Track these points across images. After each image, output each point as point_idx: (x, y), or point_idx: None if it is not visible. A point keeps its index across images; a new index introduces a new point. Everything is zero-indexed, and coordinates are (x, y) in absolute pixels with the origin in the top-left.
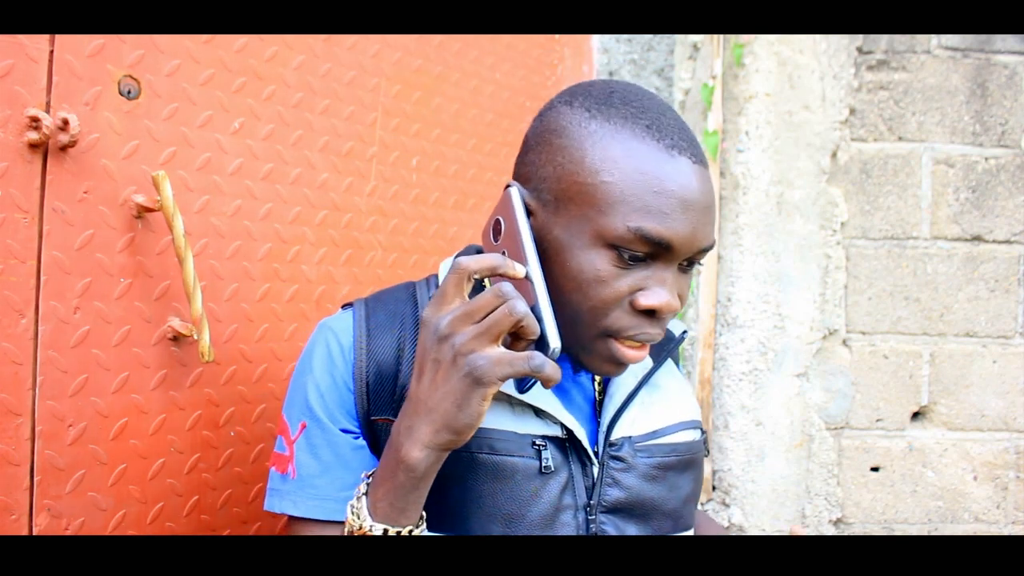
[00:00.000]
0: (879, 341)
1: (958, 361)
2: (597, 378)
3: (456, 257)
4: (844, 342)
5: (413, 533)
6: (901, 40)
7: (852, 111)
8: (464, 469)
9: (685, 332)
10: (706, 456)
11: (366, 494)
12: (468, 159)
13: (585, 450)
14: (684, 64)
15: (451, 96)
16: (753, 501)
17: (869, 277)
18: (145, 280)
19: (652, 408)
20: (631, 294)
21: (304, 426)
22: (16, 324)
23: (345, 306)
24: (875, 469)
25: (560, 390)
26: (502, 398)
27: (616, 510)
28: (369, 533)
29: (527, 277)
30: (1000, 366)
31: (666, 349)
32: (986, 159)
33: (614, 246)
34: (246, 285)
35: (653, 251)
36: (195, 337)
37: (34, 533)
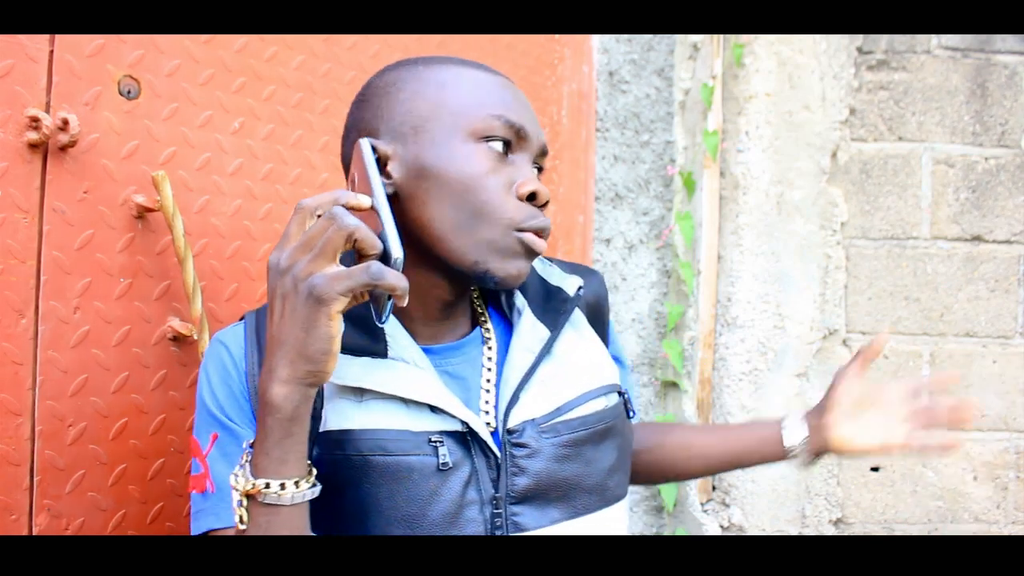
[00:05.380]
0: None
1: (958, 361)
2: (489, 360)
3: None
4: (844, 342)
5: (301, 486)
6: (901, 40)
7: (852, 111)
8: (359, 474)
9: (581, 288)
10: (631, 419)
11: (248, 461)
12: None
13: (486, 441)
14: (684, 64)
15: None
16: (753, 501)
17: (869, 277)
18: (145, 280)
19: (553, 382)
20: (509, 187)
21: (216, 437)
22: (16, 324)
23: (240, 320)
24: (875, 469)
25: (456, 381)
26: (395, 399)
27: (528, 498)
28: (253, 491)
29: (373, 207)
30: (1000, 366)
31: (562, 311)
32: (986, 159)
33: (484, 138)
34: (246, 285)
35: (514, 139)
36: (195, 337)
37: (34, 533)
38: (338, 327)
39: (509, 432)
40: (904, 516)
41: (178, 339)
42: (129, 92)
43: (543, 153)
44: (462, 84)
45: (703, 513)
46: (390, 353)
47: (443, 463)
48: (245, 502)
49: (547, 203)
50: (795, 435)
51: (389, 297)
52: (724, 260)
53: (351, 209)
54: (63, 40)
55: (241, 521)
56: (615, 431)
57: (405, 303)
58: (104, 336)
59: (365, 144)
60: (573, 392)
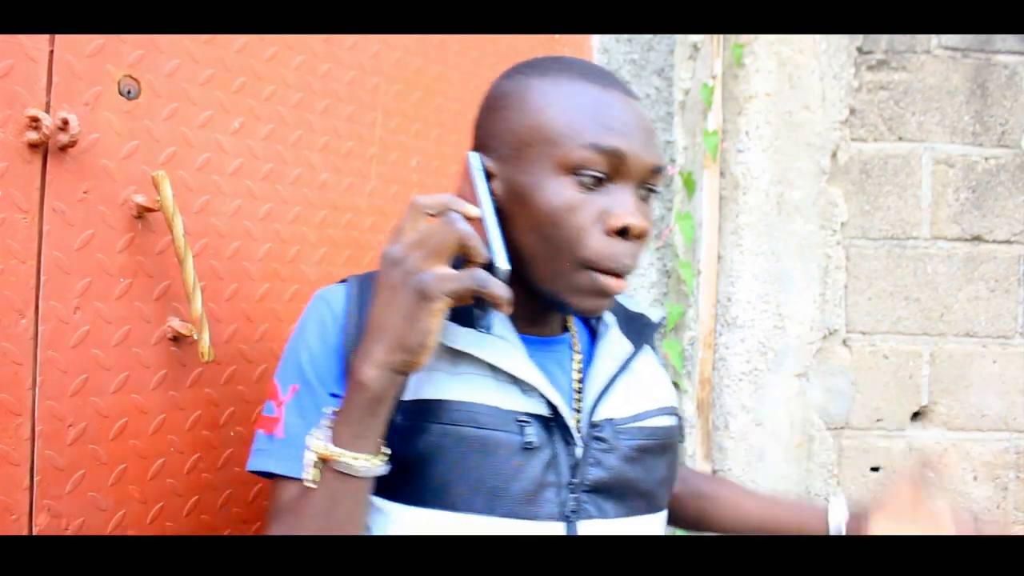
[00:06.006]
0: (879, 341)
1: (958, 361)
2: (577, 361)
3: None
4: (844, 342)
5: (372, 463)
6: (901, 40)
7: (852, 111)
8: (450, 442)
9: (664, 318)
10: (681, 443)
11: (329, 426)
12: None
13: (568, 429)
14: (684, 64)
15: (451, 96)
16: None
17: (869, 277)
18: (145, 280)
19: (632, 392)
20: (600, 220)
21: (296, 389)
22: (16, 324)
23: (340, 282)
24: (875, 469)
25: (547, 373)
26: (487, 374)
27: (597, 489)
28: (327, 456)
29: (480, 218)
30: (1000, 366)
31: (644, 334)
32: (986, 159)
33: (574, 171)
34: (246, 285)
35: (610, 166)
36: (195, 337)
37: (34, 533)
38: (438, 324)
39: (593, 425)
40: None
41: (178, 339)
42: (129, 92)
43: (654, 173)
44: (562, 105)
45: None
46: (493, 330)
47: (527, 442)
48: (319, 463)
49: (643, 234)
50: (838, 525)
51: (492, 306)
52: (724, 260)
53: (458, 214)
54: (63, 40)
55: (313, 481)
56: (671, 448)
57: (507, 312)
58: (104, 336)
59: (475, 158)
60: (647, 405)
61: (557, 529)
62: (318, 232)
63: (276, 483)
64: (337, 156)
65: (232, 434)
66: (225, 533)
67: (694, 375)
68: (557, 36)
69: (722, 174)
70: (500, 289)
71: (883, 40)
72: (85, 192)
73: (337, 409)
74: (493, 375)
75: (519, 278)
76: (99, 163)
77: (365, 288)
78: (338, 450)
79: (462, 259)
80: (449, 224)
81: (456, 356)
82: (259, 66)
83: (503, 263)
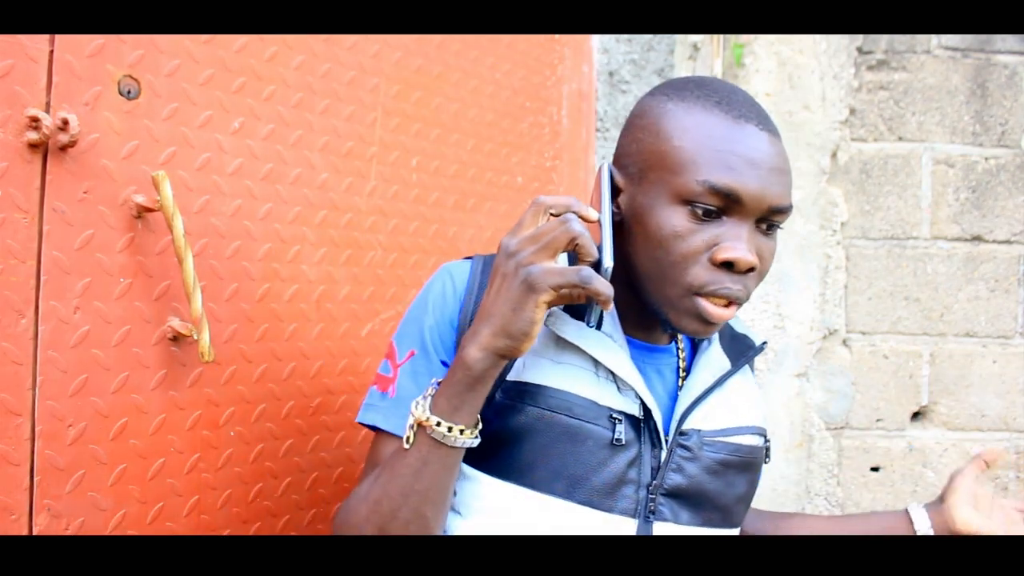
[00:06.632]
0: (879, 341)
1: (958, 361)
2: (681, 369)
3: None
4: (844, 342)
5: (464, 435)
6: (901, 40)
7: (852, 111)
8: (543, 426)
9: (765, 343)
10: (766, 463)
11: (431, 396)
12: (468, 159)
13: (657, 432)
14: (684, 64)
15: (451, 96)
16: (753, 501)
17: (869, 277)
18: (145, 280)
19: (723, 407)
20: (708, 249)
21: (412, 354)
22: (16, 324)
23: (466, 259)
24: (875, 469)
25: (645, 377)
26: (589, 368)
27: (674, 495)
28: (424, 423)
29: (598, 221)
30: (1000, 366)
31: (744, 356)
32: (986, 159)
33: (688, 202)
34: (246, 285)
35: (724, 205)
36: (195, 337)
37: (34, 533)
38: (541, 315)
39: (680, 433)
40: None
41: (178, 339)
42: (129, 92)
43: (777, 212)
44: (690, 136)
45: None
46: (603, 328)
47: (617, 438)
48: (416, 428)
49: (753, 270)
50: (923, 525)
51: (597, 305)
52: None
53: (580, 218)
54: (63, 40)
55: (407, 441)
56: (755, 467)
57: (609, 309)
58: (104, 336)
59: (605, 170)
60: (737, 421)
61: (629, 525)
62: (318, 232)
63: (380, 437)
64: (337, 156)
65: (232, 434)
66: (225, 533)
67: None
68: (557, 36)
69: None
70: (602, 286)
71: (883, 40)
72: (85, 192)
73: (441, 380)
74: (594, 369)
75: (632, 287)
76: (99, 163)
77: (487, 269)
78: (435, 418)
79: (573, 256)
80: (564, 222)
81: (563, 345)
82: (259, 66)
83: (608, 260)
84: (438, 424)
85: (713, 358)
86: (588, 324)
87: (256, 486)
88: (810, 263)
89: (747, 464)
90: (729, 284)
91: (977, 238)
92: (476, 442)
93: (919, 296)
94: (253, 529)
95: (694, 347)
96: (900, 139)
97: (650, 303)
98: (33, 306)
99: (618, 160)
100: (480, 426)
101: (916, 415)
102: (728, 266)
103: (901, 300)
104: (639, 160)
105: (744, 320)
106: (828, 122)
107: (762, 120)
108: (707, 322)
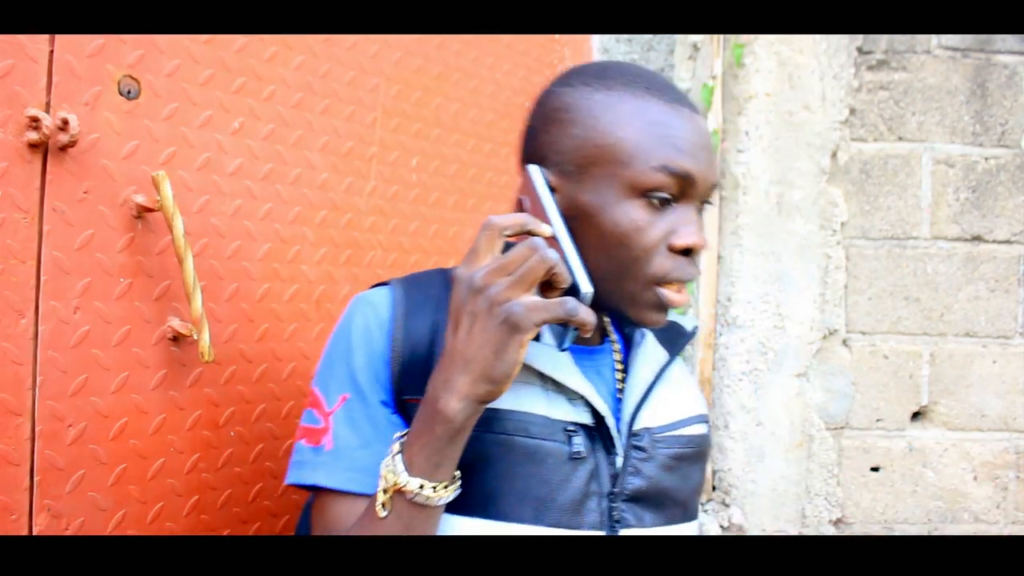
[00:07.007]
0: (879, 341)
1: (958, 361)
2: (619, 369)
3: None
4: (844, 342)
5: (448, 490)
6: (901, 40)
7: (852, 111)
8: (501, 451)
9: (696, 328)
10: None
11: (400, 452)
12: (468, 159)
13: (610, 439)
14: (684, 64)
15: (451, 96)
16: (753, 501)
17: (869, 277)
18: (145, 280)
19: (667, 401)
20: (666, 238)
21: (345, 398)
22: (16, 324)
23: (376, 285)
24: (875, 469)
25: (589, 381)
26: (535, 383)
27: (636, 499)
28: (404, 489)
29: (553, 236)
30: (1000, 366)
31: (679, 343)
32: (986, 159)
33: (644, 193)
34: (246, 285)
35: (679, 188)
36: (195, 337)
37: (34, 533)
38: (524, 354)
39: (632, 435)
40: (904, 516)
41: (178, 339)
42: (129, 92)
43: (713, 189)
44: (632, 125)
45: (703, 513)
46: (542, 339)
47: (575, 452)
48: (390, 493)
49: (705, 247)
50: None
51: (573, 327)
52: (724, 260)
53: (533, 234)
54: (63, 40)
55: (382, 507)
56: (704, 456)
57: (589, 335)
58: (104, 336)
59: (537, 173)
60: (683, 413)
61: None
62: (318, 232)
63: (326, 498)
64: (337, 156)
65: (232, 434)
66: (225, 533)
67: (694, 375)
68: (557, 36)
69: (722, 174)
70: (589, 316)
71: (883, 40)
72: (85, 192)
73: (406, 434)
74: (541, 384)
75: (571, 290)
76: (99, 163)
77: (412, 293)
78: (416, 480)
79: (541, 283)
80: (535, 250)
81: None
82: (259, 66)
83: (587, 286)
84: (421, 487)
85: (649, 351)
86: (561, 348)
87: (256, 486)
88: (810, 263)
89: (699, 454)
90: (688, 268)
91: (977, 238)
92: (459, 492)
93: (919, 296)
94: (253, 529)
95: (626, 342)
96: (900, 139)
97: (605, 302)
98: (33, 306)
99: (542, 158)
100: (459, 473)
101: (916, 415)
102: (686, 252)
103: (901, 300)
104: (576, 157)
105: (744, 320)
106: (828, 122)
107: (689, 102)
108: (665, 309)
